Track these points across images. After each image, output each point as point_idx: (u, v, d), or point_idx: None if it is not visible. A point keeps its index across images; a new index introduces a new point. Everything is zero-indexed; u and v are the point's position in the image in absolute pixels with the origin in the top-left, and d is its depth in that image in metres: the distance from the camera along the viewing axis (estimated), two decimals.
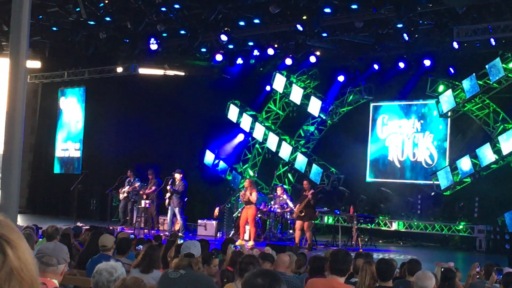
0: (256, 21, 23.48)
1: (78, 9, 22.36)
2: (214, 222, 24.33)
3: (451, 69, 24.95)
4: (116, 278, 5.63)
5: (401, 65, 25.49)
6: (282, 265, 9.36)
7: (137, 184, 26.22)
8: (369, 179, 27.79)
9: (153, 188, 25.07)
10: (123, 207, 26.78)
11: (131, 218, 26.27)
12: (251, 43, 26.62)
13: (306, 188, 22.41)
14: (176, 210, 24.27)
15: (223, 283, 8.97)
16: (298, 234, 22.08)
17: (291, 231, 23.80)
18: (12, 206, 8.29)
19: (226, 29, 23.43)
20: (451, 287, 9.29)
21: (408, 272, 9.36)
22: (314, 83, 28.54)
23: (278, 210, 23.73)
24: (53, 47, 29.54)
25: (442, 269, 9.37)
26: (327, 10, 21.28)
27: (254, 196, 22.63)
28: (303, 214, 21.85)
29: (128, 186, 26.32)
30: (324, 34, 24.38)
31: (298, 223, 22.16)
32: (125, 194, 26.42)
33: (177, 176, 24.21)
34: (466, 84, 24.14)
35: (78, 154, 32.23)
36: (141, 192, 25.21)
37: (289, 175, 28.86)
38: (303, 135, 29.15)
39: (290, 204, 23.59)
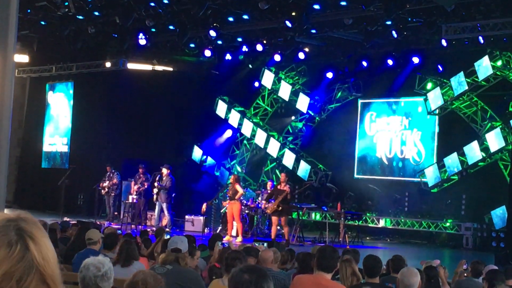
0: (245, 17, 23.47)
1: (66, 3, 22.30)
2: (201, 218, 24.31)
3: (439, 66, 25.00)
4: (104, 273, 5.61)
5: (390, 62, 25.50)
6: (265, 261, 9.36)
7: (116, 179, 26.29)
8: (357, 176, 27.81)
9: (146, 185, 25.01)
10: (108, 202, 26.83)
11: (119, 214, 26.29)
12: (240, 39, 26.61)
13: (283, 181, 22.23)
14: (164, 205, 24.26)
15: (211, 280, 8.97)
16: (275, 230, 21.96)
17: (278, 227, 23.78)
18: None
19: (215, 24, 23.44)
20: (436, 284, 9.32)
21: (392, 270, 9.37)
22: (303, 79, 28.56)
23: (266, 206, 23.69)
24: (41, 41, 29.44)
25: (424, 267, 9.41)
26: (316, 6, 21.30)
27: (240, 189, 22.58)
28: (280, 209, 21.71)
29: (108, 181, 26.39)
30: (313, 31, 24.37)
31: (275, 219, 21.97)
32: (106, 190, 26.48)
33: (164, 171, 24.20)
34: (454, 81, 24.20)
35: (65, 148, 32.13)
36: (132, 191, 25.15)
37: (277, 171, 28.87)
38: (291, 131, 29.16)
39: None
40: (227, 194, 23.02)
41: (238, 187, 22.60)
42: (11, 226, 2.33)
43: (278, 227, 22.50)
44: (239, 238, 21.66)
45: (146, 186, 24.96)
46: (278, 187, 22.08)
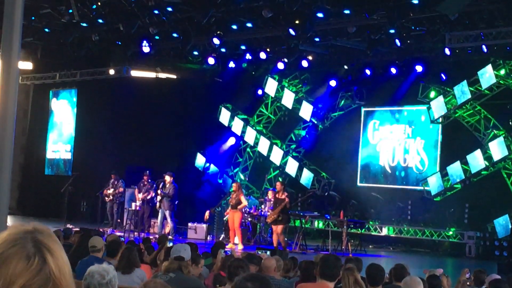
0: (249, 25, 23.50)
1: (70, 10, 22.34)
2: (204, 226, 24.30)
3: (442, 75, 24.98)
4: (108, 281, 5.62)
5: (393, 70, 25.50)
6: (268, 269, 9.35)
7: (121, 188, 26.31)
8: (360, 184, 27.78)
9: (152, 193, 25.05)
10: (111, 209, 26.83)
11: (122, 221, 26.29)
12: (243, 47, 26.64)
13: (279, 190, 22.17)
14: (167, 213, 24.25)
15: None
16: (277, 238, 21.91)
17: None
18: (2, 207, 8.27)
19: (218, 32, 23.46)
20: None
21: (394, 278, 9.36)
22: (306, 87, 28.56)
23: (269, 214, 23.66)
24: (45, 48, 29.50)
25: (427, 276, 9.39)
26: (320, 15, 21.30)
27: (244, 200, 22.62)
28: (280, 218, 21.66)
29: (112, 189, 26.40)
30: (317, 39, 24.40)
31: (275, 227, 21.87)
32: (110, 197, 26.49)
33: (167, 178, 24.20)
34: (457, 90, 24.18)
35: (69, 156, 32.18)
36: (137, 199, 25.19)
37: (280, 179, 28.84)
38: (294, 139, 29.15)
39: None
40: (229, 202, 22.94)
41: (242, 198, 22.59)
42: (29, 238, 2.33)
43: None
44: (240, 246, 21.64)
45: (152, 194, 24.99)
46: (277, 196, 22.06)
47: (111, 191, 26.51)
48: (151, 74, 29.67)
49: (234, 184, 23.38)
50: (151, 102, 29.51)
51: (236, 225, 22.38)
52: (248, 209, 23.94)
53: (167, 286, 5.21)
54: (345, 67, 26.84)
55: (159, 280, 5.50)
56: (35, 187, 33.09)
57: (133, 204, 24.85)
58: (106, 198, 26.61)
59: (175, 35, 24.85)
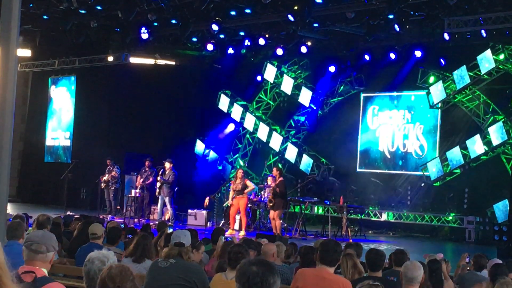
0: (248, 11, 23.45)
1: None
2: (204, 212, 24.31)
3: (442, 60, 24.97)
4: None
5: (392, 56, 25.50)
6: (266, 254, 9.38)
7: (115, 172, 26.30)
8: (359, 169, 27.80)
9: (151, 179, 25.08)
10: (108, 195, 26.83)
11: (121, 208, 26.31)
12: (242, 33, 26.59)
13: (275, 175, 22.29)
14: (166, 199, 24.25)
15: None
16: (273, 224, 21.97)
17: (281, 221, 23.76)
18: (2, 194, 8.29)
19: (217, 18, 23.42)
20: (438, 277, 9.33)
21: (394, 263, 9.38)
22: (305, 73, 28.55)
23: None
24: (43, 35, 29.44)
25: (427, 261, 9.41)
26: (319, 0, 21.27)
27: (251, 184, 22.60)
28: (272, 203, 21.73)
29: (107, 175, 26.43)
30: (316, 25, 24.35)
31: (270, 213, 22.08)
32: (105, 183, 26.49)
33: (167, 165, 24.19)
34: (456, 75, 24.17)
35: (68, 143, 32.15)
36: (137, 184, 25.22)
37: (280, 165, 28.86)
38: (293, 125, 29.15)
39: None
40: (234, 188, 22.59)
41: (249, 182, 22.57)
42: None
43: (281, 221, 22.51)
44: (242, 232, 21.65)
45: (151, 180, 25.00)
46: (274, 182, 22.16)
47: (106, 177, 26.52)
48: (150, 61, 29.63)
49: (239, 171, 23.07)
50: (150, 89, 29.48)
51: (242, 210, 22.31)
52: (248, 195, 23.93)
53: (123, 266, 5.23)
54: (344, 52, 26.64)
55: (116, 264, 5.51)
56: (34, 174, 33.10)
57: (133, 190, 24.87)
58: (103, 185, 26.62)
59: (173, 21, 24.79)
